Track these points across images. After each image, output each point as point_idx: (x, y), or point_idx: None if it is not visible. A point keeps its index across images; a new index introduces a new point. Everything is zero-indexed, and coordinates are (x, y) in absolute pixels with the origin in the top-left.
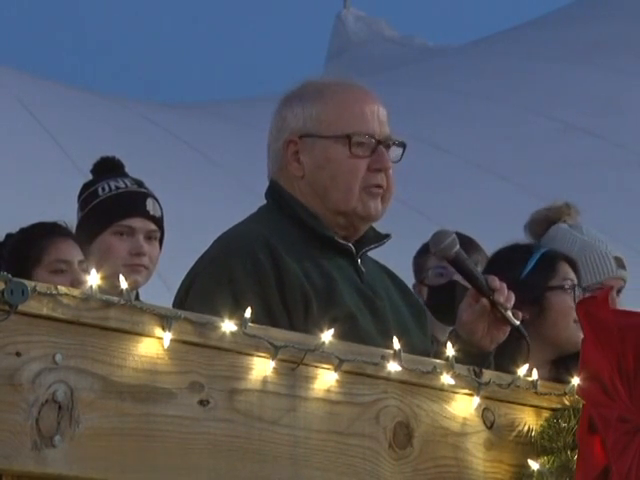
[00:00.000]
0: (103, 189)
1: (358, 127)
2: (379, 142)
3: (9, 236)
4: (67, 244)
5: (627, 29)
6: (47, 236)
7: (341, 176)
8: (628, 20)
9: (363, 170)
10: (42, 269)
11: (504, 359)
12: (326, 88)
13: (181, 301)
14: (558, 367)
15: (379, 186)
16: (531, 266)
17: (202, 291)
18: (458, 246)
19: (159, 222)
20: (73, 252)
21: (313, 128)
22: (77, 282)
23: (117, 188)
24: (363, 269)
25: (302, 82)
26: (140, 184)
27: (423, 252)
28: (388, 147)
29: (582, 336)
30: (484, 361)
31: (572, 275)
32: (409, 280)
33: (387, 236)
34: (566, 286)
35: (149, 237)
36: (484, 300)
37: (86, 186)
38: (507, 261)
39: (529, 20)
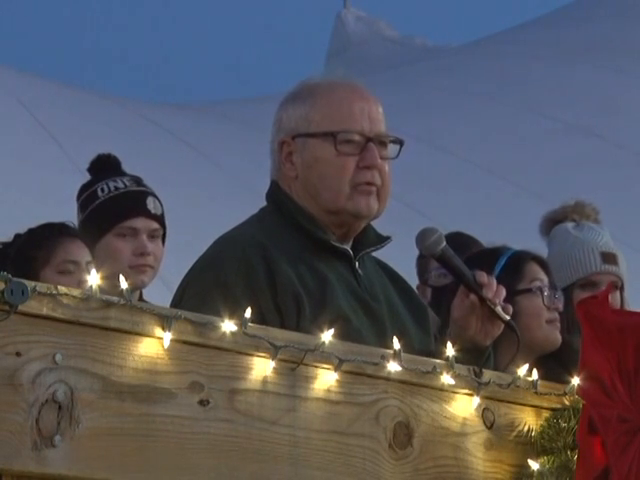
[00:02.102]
0: (102, 190)
1: (345, 125)
2: (369, 139)
3: (18, 237)
4: (75, 245)
5: (627, 29)
6: (55, 237)
7: (329, 175)
8: (628, 20)
9: (351, 168)
10: (50, 269)
11: (496, 354)
12: (318, 88)
13: (176, 304)
14: (538, 368)
15: (369, 183)
16: (498, 270)
17: (195, 294)
18: (444, 243)
19: (161, 220)
20: (81, 253)
21: (302, 128)
22: (84, 283)
23: (116, 189)
24: (360, 272)
25: (300, 82)
26: (138, 181)
27: None
28: (383, 145)
29: (558, 336)
30: (481, 356)
31: (541, 275)
32: (409, 280)
33: (387, 238)
34: (533, 288)
35: (152, 236)
36: (473, 296)
37: (84, 187)
38: (475, 266)
39: (529, 20)
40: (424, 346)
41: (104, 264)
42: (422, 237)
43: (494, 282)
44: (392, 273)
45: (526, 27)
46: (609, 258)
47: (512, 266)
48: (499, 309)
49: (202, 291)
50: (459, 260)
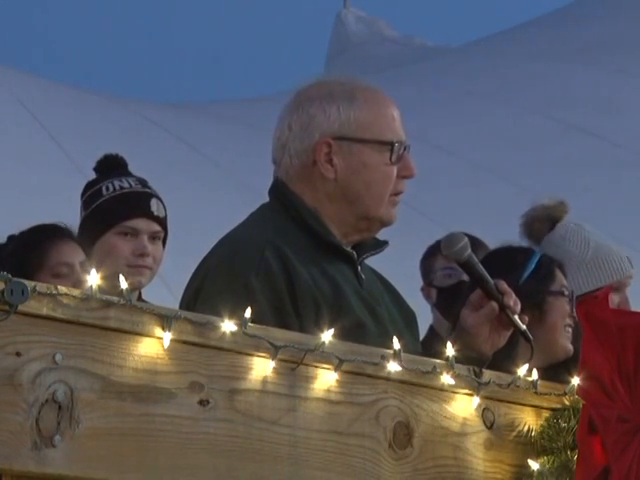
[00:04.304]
0: (107, 189)
1: (395, 134)
2: (404, 148)
3: (11, 238)
4: (68, 246)
5: (627, 29)
6: (48, 239)
7: (377, 183)
8: (628, 20)
9: (394, 177)
10: (45, 273)
11: (504, 361)
12: (356, 90)
13: (189, 305)
14: (547, 375)
15: (401, 193)
16: (530, 270)
17: (213, 295)
18: (470, 249)
19: (163, 222)
20: (74, 254)
21: (350, 132)
22: (80, 284)
23: (121, 188)
24: (363, 275)
25: (321, 80)
26: (144, 183)
27: (430, 254)
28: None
29: (571, 346)
30: (482, 366)
31: (565, 282)
32: (411, 279)
33: (385, 243)
34: (566, 292)
35: (153, 237)
36: (493, 303)
37: (89, 185)
38: (505, 264)
39: (529, 20)
40: (415, 352)
41: (102, 262)
42: (449, 242)
43: (512, 291)
44: (383, 279)
45: (526, 27)
46: (630, 261)
47: (544, 268)
48: (516, 317)
49: (222, 291)
50: (482, 267)
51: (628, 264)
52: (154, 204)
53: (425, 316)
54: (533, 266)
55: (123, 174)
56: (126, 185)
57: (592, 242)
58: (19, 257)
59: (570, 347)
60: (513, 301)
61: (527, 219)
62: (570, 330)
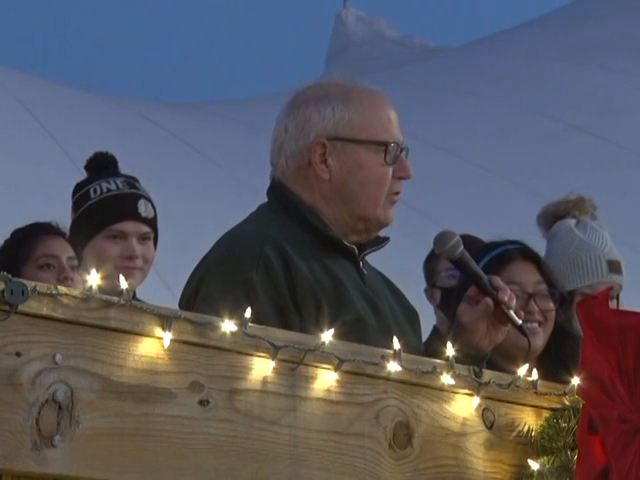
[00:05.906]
0: (95, 191)
1: (390, 135)
2: (401, 149)
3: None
4: (56, 241)
5: (627, 29)
6: (36, 235)
7: (372, 183)
8: (628, 20)
9: (390, 178)
10: (29, 265)
11: (502, 357)
12: (352, 91)
13: (188, 301)
14: (547, 375)
15: (398, 193)
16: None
17: (213, 292)
18: (462, 247)
19: (152, 223)
20: (61, 248)
21: (345, 132)
22: (64, 278)
23: (109, 190)
24: (365, 271)
25: (320, 82)
26: (132, 184)
27: (434, 255)
28: (403, 152)
29: (536, 342)
30: (481, 363)
31: (520, 277)
32: (410, 280)
33: (386, 239)
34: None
35: (143, 238)
36: (488, 300)
37: (78, 187)
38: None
39: (529, 20)
40: (417, 350)
41: (92, 265)
42: (441, 240)
43: (507, 287)
44: (385, 277)
45: (526, 27)
46: (615, 267)
47: (494, 264)
48: (512, 313)
49: (222, 287)
50: (475, 264)
51: (604, 270)
52: (142, 205)
53: (427, 317)
54: (483, 264)
55: (112, 174)
56: (113, 187)
57: (575, 243)
58: (8, 252)
59: (536, 343)
60: (508, 296)
61: (539, 214)
62: (536, 325)
